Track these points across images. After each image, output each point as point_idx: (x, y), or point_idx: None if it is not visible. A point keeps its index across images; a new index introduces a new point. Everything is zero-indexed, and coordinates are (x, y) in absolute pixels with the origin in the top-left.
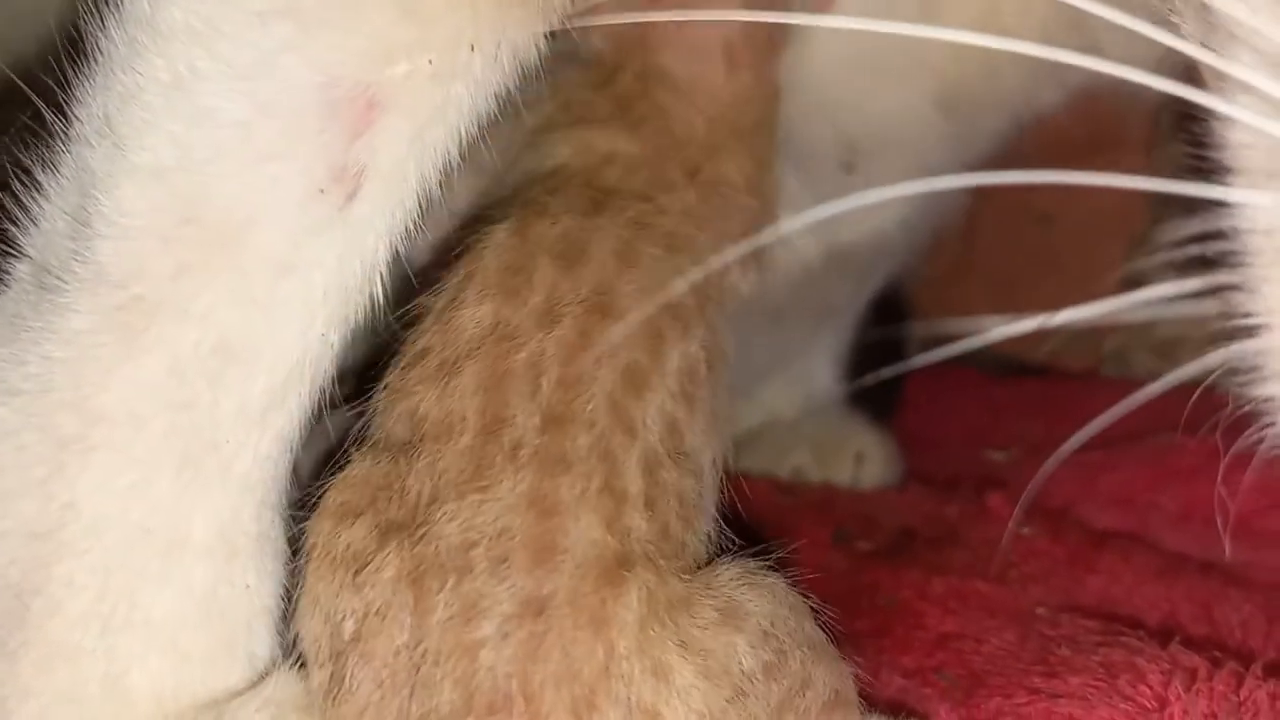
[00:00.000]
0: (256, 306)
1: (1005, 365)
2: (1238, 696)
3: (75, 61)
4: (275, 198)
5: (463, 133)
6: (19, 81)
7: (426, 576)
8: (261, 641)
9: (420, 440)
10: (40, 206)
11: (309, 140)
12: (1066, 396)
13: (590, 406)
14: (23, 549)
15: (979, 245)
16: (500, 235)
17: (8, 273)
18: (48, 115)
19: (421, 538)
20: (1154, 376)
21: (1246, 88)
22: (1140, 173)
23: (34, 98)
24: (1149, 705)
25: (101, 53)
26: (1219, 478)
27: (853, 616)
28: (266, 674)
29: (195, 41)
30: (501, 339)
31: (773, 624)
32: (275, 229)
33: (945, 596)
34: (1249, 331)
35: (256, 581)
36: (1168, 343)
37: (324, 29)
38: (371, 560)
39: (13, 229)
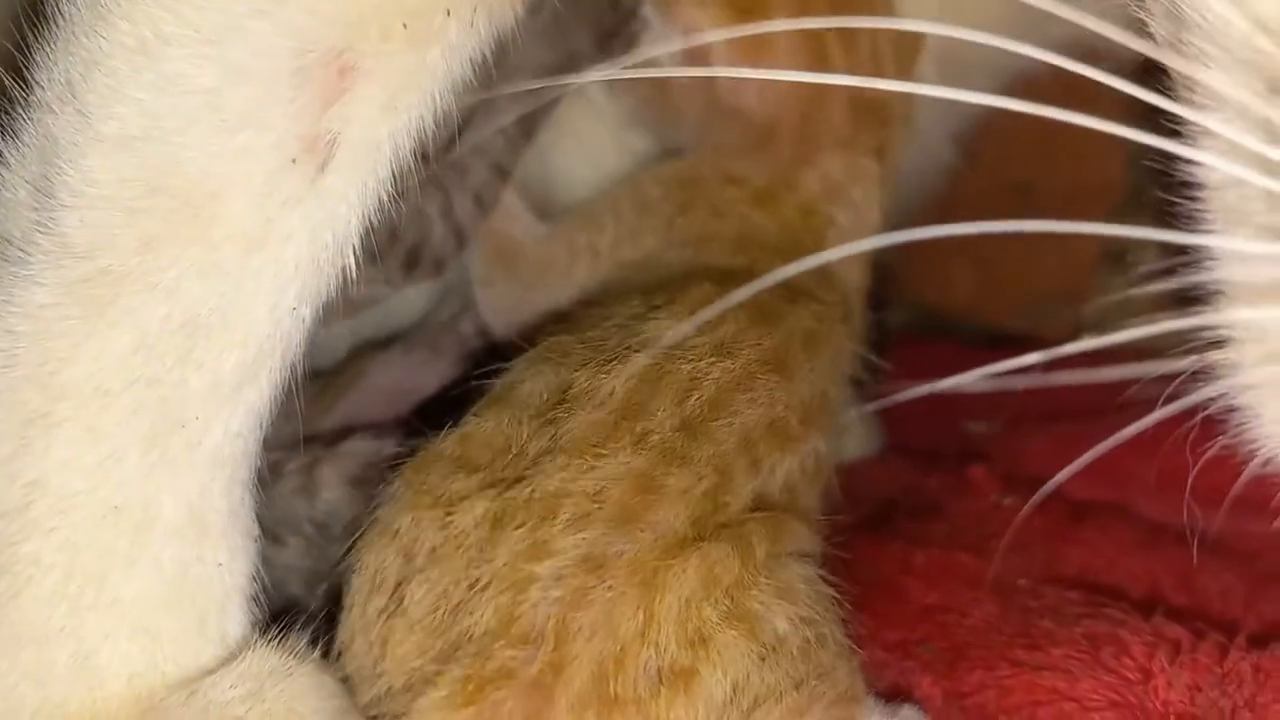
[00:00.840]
0: (227, 280)
1: (986, 336)
2: (1221, 668)
3: (35, 26)
4: (246, 168)
5: (437, 99)
6: None
7: (511, 515)
8: (234, 620)
9: (557, 405)
10: (2, 177)
11: (280, 108)
12: (1047, 367)
13: (725, 432)
14: None
15: (958, 216)
16: (705, 288)
17: None
18: (6, 81)
19: (520, 482)
20: (1133, 344)
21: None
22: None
23: None
24: (1133, 678)
25: (63, 16)
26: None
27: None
28: (239, 652)
29: (161, 5)
30: (676, 348)
31: (815, 612)
32: (246, 200)
33: (927, 569)
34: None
35: (228, 559)
36: (1148, 311)
37: None
38: (467, 498)
39: None
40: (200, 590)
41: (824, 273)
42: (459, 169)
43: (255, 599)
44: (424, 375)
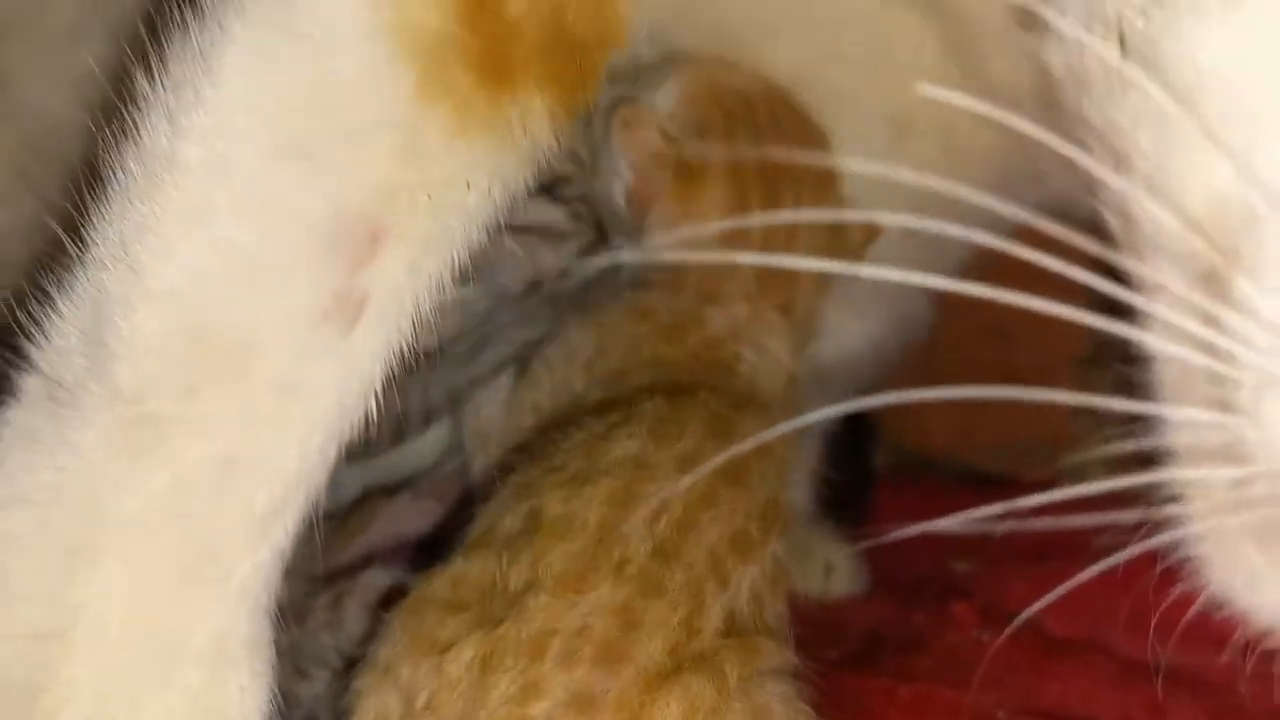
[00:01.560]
0: (261, 424)
1: (969, 476)
2: None
3: (93, 191)
4: (283, 322)
5: (454, 259)
6: (44, 214)
7: (500, 656)
8: None
9: (533, 534)
10: (54, 324)
11: (315, 269)
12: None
13: (695, 553)
14: (30, 648)
15: (939, 360)
16: (659, 400)
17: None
18: (65, 240)
19: (507, 621)
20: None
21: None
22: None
23: (53, 225)
24: None
25: (119, 180)
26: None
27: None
28: None
29: (212, 177)
30: (640, 467)
31: None
32: (282, 351)
33: (912, 703)
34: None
35: (249, 682)
36: (1121, 458)
37: (333, 168)
38: (457, 643)
39: (27, 344)
40: (222, 712)
41: (754, 382)
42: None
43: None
44: (429, 521)
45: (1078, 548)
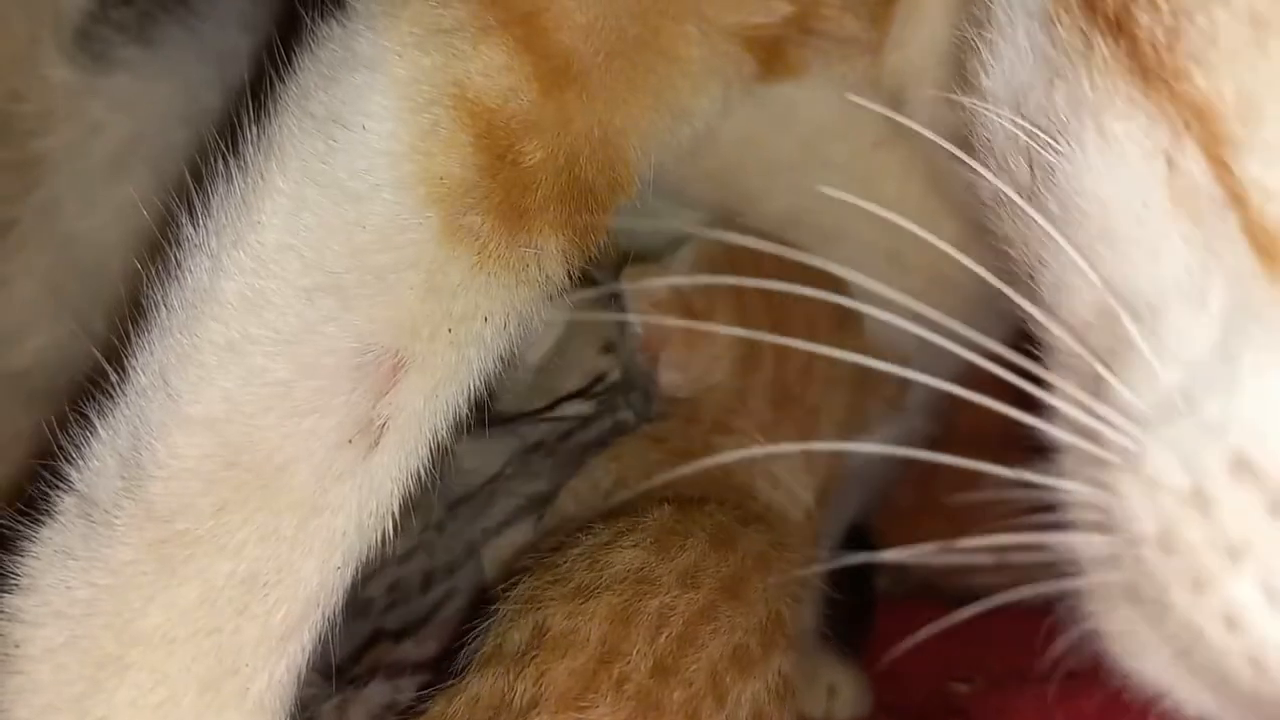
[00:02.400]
0: (285, 542)
1: (970, 597)
2: None
3: (135, 323)
4: (310, 446)
5: (471, 389)
6: (86, 340)
7: None
8: None
9: (537, 649)
10: (92, 447)
11: (342, 397)
12: (1027, 629)
13: (694, 669)
14: None
15: (939, 477)
16: (665, 510)
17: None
18: (106, 368)
19: None
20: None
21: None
22: None
23: (97, 354)
24: None
25: (161, 317)
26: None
27: None
28: None
29: (249, 310)
30: (642, 582)
31: None
32: (308, 474)
33: None
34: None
35: None
36: None
37: (361, 303)
38: None
39: (65, 466)
40: None
41: (770, 510)
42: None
43: None
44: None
45: (1083, 668)
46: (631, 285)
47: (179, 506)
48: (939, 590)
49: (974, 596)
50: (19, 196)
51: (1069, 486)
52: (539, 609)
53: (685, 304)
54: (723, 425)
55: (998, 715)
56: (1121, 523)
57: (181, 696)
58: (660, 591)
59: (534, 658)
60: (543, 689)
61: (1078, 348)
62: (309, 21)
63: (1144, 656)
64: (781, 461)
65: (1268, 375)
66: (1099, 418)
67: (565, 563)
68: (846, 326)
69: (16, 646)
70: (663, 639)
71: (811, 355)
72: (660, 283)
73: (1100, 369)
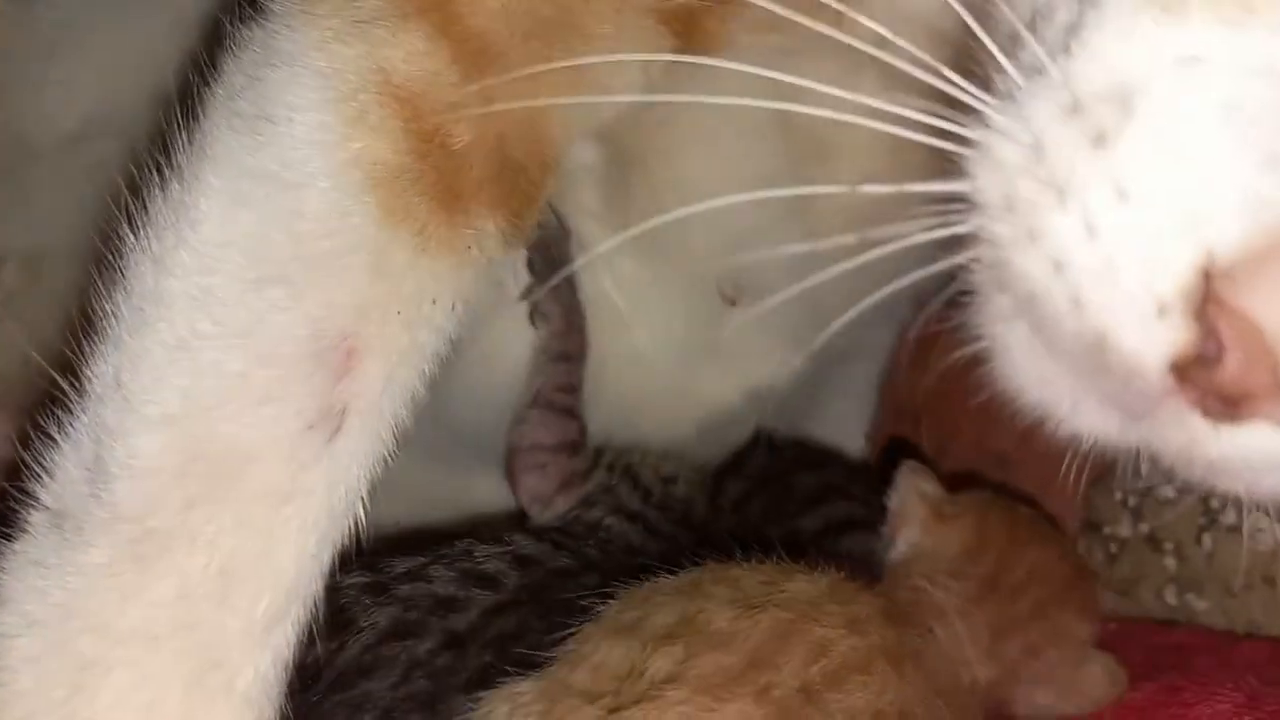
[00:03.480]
0: (258, 532)
1: None
2: None
3: (89, 338)
4: (272, 435)
5: (427, 373)
6: (44, 364)
7: None
8: None
9: (690, 636)
10: (56, 461)
11: (299, 385)
12: None
13: (836, 708)
14: None
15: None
16: (844, 575)
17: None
18: (63, 384)
19: (638, 706)
20: (1114, 613)
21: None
22: None
23: (52, 372)
24: None
25: (111, 325)
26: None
27: None
28: None
29: (196, 308)
30: (812, 610)
31: None
32: (273, 462)
33: None
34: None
35: None
36: (1127, 581)
37: (310, 290)
38: None
39: (32, 485)
40: None
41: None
42: None
43: None
44: None
45: None
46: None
47: (147, 505)
48: None
49: None
50: None
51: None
52: (699, 600)
53: (937, 502)
54: (923, 593)
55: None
56: (978, 200)
57: (167, 695)
58: (827, 624)
59: (681, 642)
60: (684, 670)
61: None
62: (230, 28)
63: (1014, 356)
64: (969, 628)
65: (1105, 29)
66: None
67: (737, 569)
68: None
69: None
70: (816, 668)
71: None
72: (933, 489)
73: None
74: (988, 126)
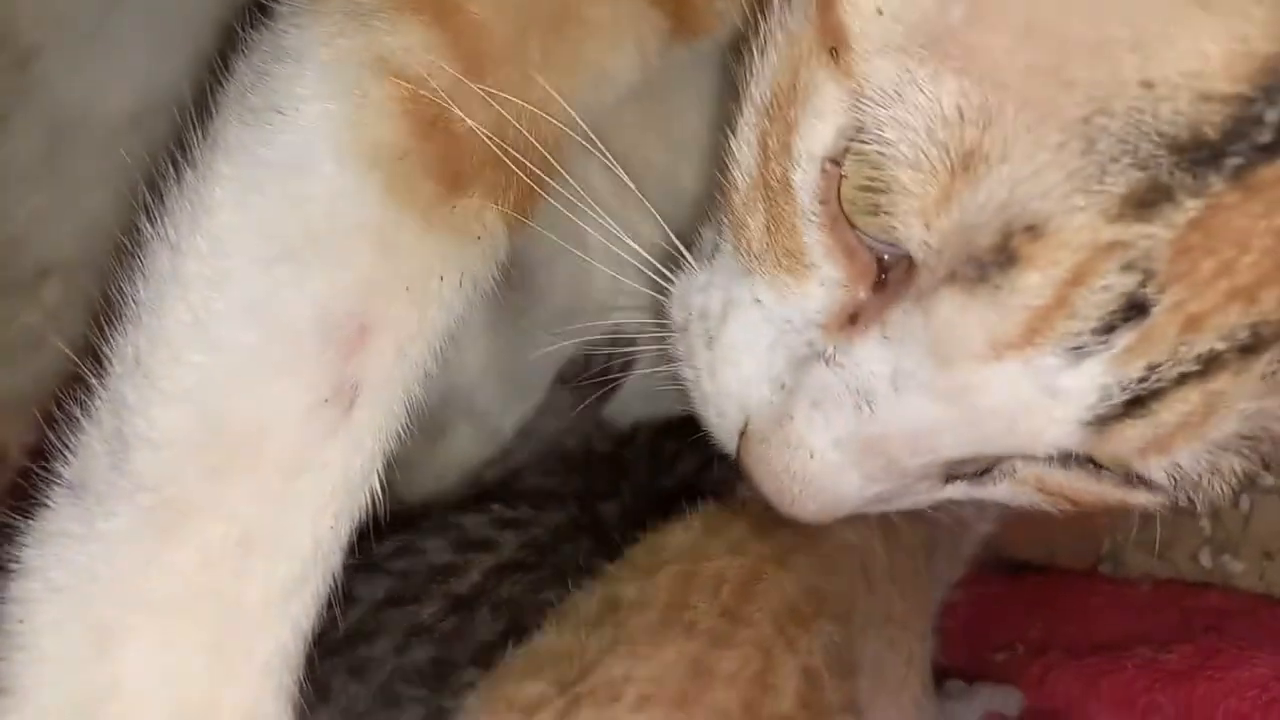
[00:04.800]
0: (275, 503)
1: (1006, 565)
2: None
3: (111, 322)
4: (286, 409)
5: (437, 349)
6: (67, 351)
7: (580, 703)
8: None
9: (612, 613)
10: (79, 439)
11: (311, 361)
12: (1065, 596)
13: (757, 614)
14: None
15: None
16: (710, 507)
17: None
18: (82, 368)
19: (586, 678)
20: (1148, 575)
21: None
22: None
23: (70, 355)
24: None
25: (130, 310)
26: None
27: None
28: None
29: (211, 287)
30: (696, 553)
31: None
32: (288, 436)
33: None
34: None
35: None
36: (1162, 543)
37: (319, 269)
38: (539, 702)
39: (56, 464)
40: None
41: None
42: None
43: None
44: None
45: (1126, 640)
46: None
47: (165, 475)
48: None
49: (1013, 563)
50: None
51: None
52: (609, 585)
53: None
54: None
55: (1039, 684)
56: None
57: (190, 659)
58: (714, 557)
59: (608, 620)
60: (617, 638)
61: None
62: (241, 33)
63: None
64: None
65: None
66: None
67: (630, 552)
68: None
69: (20, 622)
70: (724, 594)
71: None
72: None
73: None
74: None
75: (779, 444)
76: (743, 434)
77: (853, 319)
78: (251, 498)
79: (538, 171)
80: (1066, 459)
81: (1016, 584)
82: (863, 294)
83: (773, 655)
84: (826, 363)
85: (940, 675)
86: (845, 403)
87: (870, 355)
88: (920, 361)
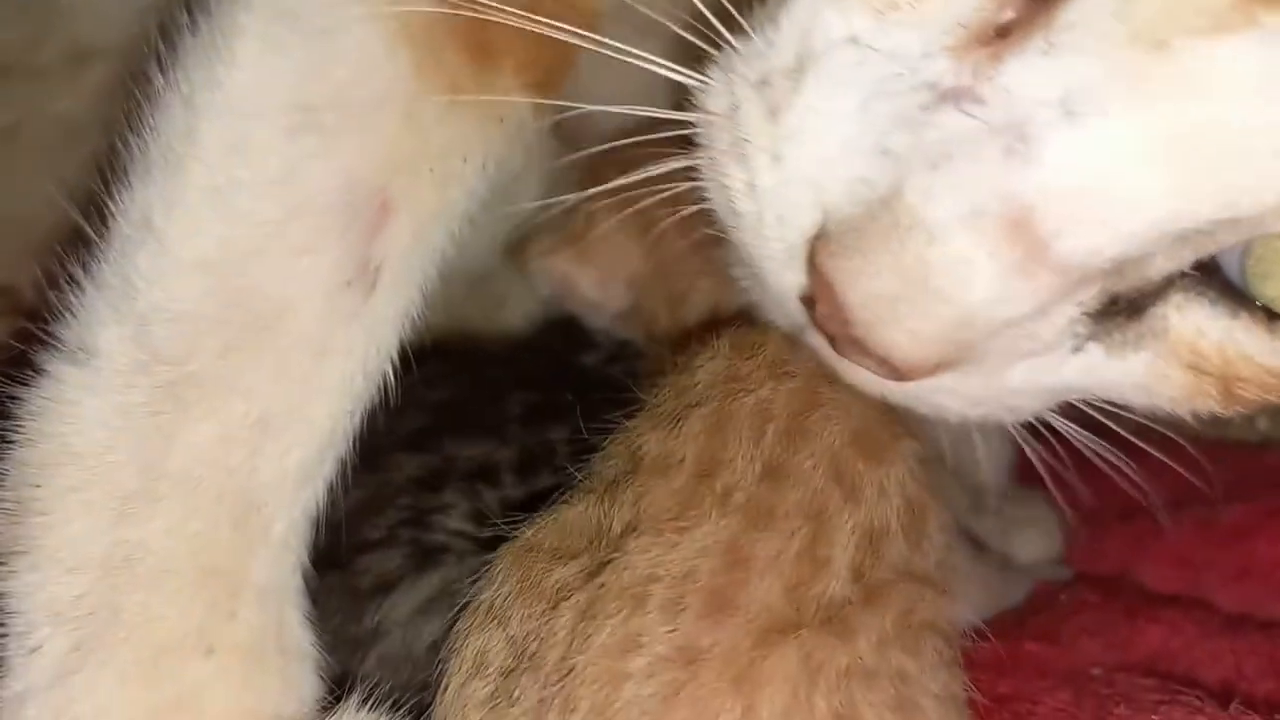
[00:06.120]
0: (294, 384)
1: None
2: None
3: (113, 175)
4: (309, 287)
5: (455, 233)
6: (65, 202)
7: (603, 601)
8: (308, 684)
9: (633, 474)
10: (81, 302)
11: (335, 236)
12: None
13: (810, 463)
14: (95, 581)
15: None
16: (732, 329)
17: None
18: (84, 226)
19: (609, 565)
20: (1202, 437)
21: None
22: None
23: (73, 212)
24: None
25: (137, 164)
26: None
27: None
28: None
29: (231, 153)
30: (731, 381)
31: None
32: (310, 315)
33: (996, 659)
34: None
35: (299, 629)
36: None
37: (344, 140)
38: (571, 595)
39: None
40: (285, 648)
41: None
42: None
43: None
44: None
45: (1177, 501)
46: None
47: (185, 349)
48: None
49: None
50: None
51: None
52: (634, 439)
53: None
54: (681, 296)
55: (1088, 549)
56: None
57: (216, 528)
58: (753, 386)
59: (629, 484)
60: (641, 511)
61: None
62: None
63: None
64: None
65: (796, 9)
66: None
67: (656, 396)
68: None
69: (36, 487)
70: (769, 434)
71: None
72: (545, 240)
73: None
74: (708, 83)
75: (879, 234)
76: (814, 242)
77: (1001, 32)
78: (270, 378)
79: (568, 45)
80: (1238, 301)
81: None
82: (1010, 11)
83: (826, 515)
84: (956, 103)
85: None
86: (986, 152)
87: (1028, 74)
88: (1111, 65)
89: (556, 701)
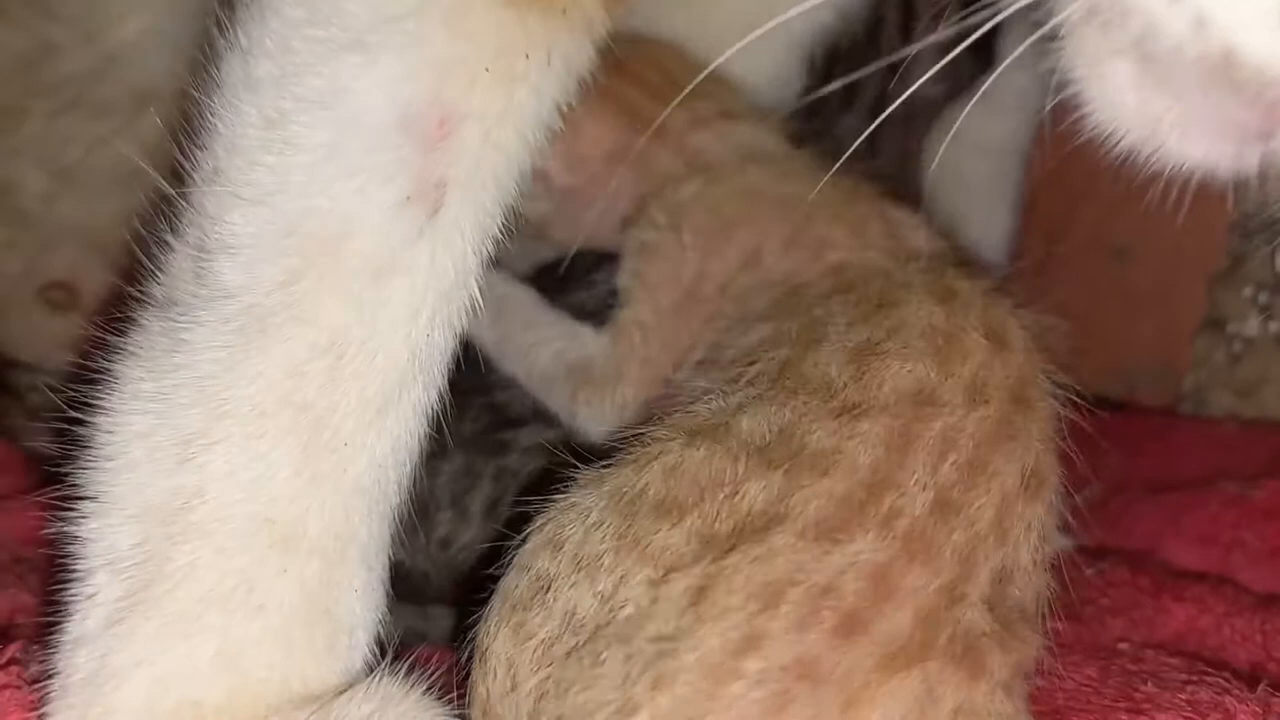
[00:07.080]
0: (361, 308)
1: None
2: None
3: (191, 138)
4: (365, 208)
5: (533, 140)
6: (146, 167)
7: (727, 592)
8: (359, 649)
9: (790, 459)
10: (166, 258)
11: (389, 154)
12: (1144, 434)
13: (980, 503)
14: (152, 529)
15: (1055, 276)
16: (924, 299)
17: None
18: (169, 189)
19: (738, 552)
20: (1232, 416)
21: None
22: None
23: (155, 176)
24: None
25: (209, 120)
26: None
27: None
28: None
29: (278, 85)
30: (922, 403)
31: None
32: (370, 237)
33: None
34: None
35: (363, 588)
36: (1249, 382)
37: (387, 54)
38: (682, 569)
39: (148, 284)
40: (336, 610)
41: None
42: None
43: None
44: None
45: (1206, 477)
46: None
47: (247, 280)
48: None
49: (1090, 398)
50: None
51: None
52: (786, 407)
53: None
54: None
55: (1115, 524)
56: None
57: (276, 471)
58: (945, 410)
59: (781, 465)
60: (791, 507)
61: None
62: None
63: (1117, 94)
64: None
65: None
66: None
67: (818, 361)
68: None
69: (111, 433)
70: (947, 465)
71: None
72: None
73: None
74: None
75: None
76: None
77: None
78: (336, 303)
79: None
80: None
81: (1093, 423)
82: None
83: (974, 563)
84: None
85: None
86: None
87: None
88: None
89: (646, 677)
